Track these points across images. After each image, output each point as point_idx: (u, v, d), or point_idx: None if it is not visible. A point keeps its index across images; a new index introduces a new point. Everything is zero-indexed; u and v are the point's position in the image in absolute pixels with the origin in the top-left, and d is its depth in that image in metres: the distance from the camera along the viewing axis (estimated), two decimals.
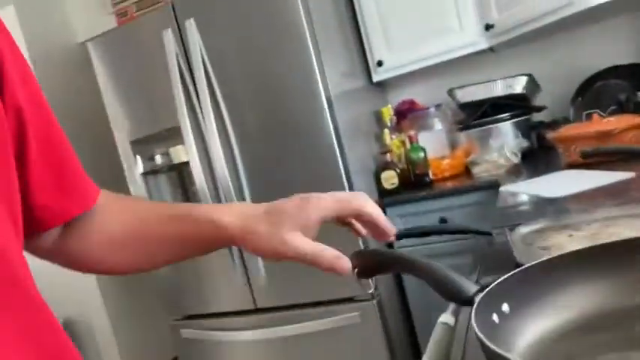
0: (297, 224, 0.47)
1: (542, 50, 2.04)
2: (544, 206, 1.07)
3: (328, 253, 0.47)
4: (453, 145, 2.05)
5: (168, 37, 1.72)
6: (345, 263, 0.47)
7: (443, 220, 1.12)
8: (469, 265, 0.84)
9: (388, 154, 1.89)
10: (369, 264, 0.49)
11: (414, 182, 1.89)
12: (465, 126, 1.94)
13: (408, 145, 1.93)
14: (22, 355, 0.34)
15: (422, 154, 1.88)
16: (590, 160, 1.29)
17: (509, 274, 0.42)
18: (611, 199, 0.96)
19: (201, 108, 1.71)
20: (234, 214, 0.49)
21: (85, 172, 0.51)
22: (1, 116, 0.38)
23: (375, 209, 0.50)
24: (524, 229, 0.78)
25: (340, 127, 1.65)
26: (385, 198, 1.82)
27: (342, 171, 1.63)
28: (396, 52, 2.01)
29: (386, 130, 2.01)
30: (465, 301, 0.41)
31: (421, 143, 1.91)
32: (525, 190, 1.27)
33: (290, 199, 0.49)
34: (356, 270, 0.48)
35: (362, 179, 1.79)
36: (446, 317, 0.71)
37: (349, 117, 1.79)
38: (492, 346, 0.32)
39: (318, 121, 1.60)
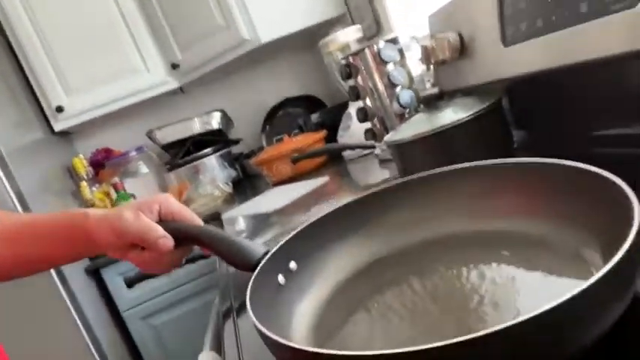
0: (139, 206, 0.51)
1: (230, 87, 2.20)
2: (267, 220, 1.13)
3: (154, 229, 0.49)
4: (164, 188, 1.97)
5: None
6: (168, 242, 0.50)
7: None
8: (219, 295, 0.78)
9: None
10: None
11: None
12: (172, 166, 1.89)
13: (114, 195, 1.74)
14: None
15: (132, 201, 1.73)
16: (292, 176, 1.45)
17: (291, 234, 0.41)
18: (318, 200, 1.08)
19: None
20: (102, 210, 0.53)
21: None
22: None
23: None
24: (260, 239, 0.78)
25: (23, 187, 1.34)
26: (99, 259, 1.58)
27: None
28: (76, 97, 1.79)
29: (83, 184, 1.76)
30: (255, 265, 0.39)
31: (129, 190, 1.76)
32: (246, 211, 1.31)
33: None
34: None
35: None
36: (206, 356, 0.63)
37: (34, 175, 1.49)
38: (268, 334, 0.28)
39: None
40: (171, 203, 0.53)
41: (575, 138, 0.67)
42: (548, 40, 0.60)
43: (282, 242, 0.42)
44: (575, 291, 0.22)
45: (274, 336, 0.28)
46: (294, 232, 0.44)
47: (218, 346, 0.64)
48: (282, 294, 0.39)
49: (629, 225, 0.25)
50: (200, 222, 0.53)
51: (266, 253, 0.41)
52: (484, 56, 0.75)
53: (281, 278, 0.40)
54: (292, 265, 0.42)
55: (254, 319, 0.31)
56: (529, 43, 0.64)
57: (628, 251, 0.23)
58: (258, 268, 0.37)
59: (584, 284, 0.22)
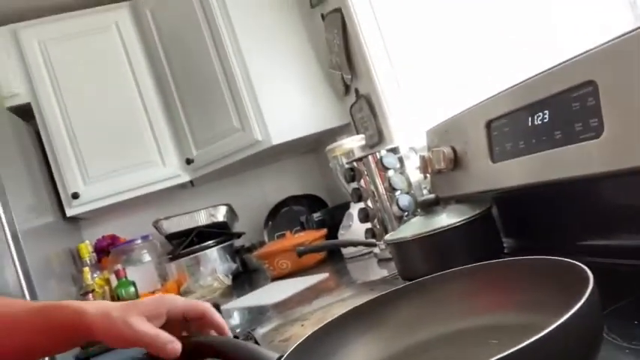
0: (147, 312, 0.52)
1: (237, 183, 2.31)
2: (266, 313, 1.14)
3: (163, 336, 0.51)
4: (164, 277, 1.98)
5: None
6: (176, 346, 0.50)
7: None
8: None
9: (90, 295, 1.66)
10: (185, 350, 0.51)
11: None
12: (174, 256, 1.92)
13: (115, 282, 1.76)
14: None
15: (132, 289, 1.74)
16: (292, 271, 1.49)
17: (303, 338, 0.44)
18: (317, 294, 1.11)
19: None
20: (96, 305, 0.54)
21: None
22: None
23: (216, 313, 0.57)
24: (262, 330, 0.81)
25: (30, 267, 1.38)
26: (93, 346, 1.55)
27: None
28: (93, 185, 1.89)
29: (86, 269, 1.78)
30: None
31: (130, 278, 1.78)
32: (245, 303, 1.33)
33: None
34: None
35: None
36: None
37: (41, 255, 1.52)
38: None
39: (2, 260, 1.30)
40: (178, 304, 0.54)
41: (560, 247, 0.73)
42: (531, 159, 0.69)
43: (292, 349, 0.44)
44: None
45: None
46: (302, 339, 0.46)
47: None
48: None
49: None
50: (206, 307, 0.55)
51: (279, 358, 0.43)
52: (475, 169, 0.84)
53: None
54: None
55: None
56: (514, 161, 0.73)
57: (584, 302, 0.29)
58: None
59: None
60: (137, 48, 1.97)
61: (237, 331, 1.10)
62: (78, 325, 0.53)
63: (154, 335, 0.50)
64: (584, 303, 0.31)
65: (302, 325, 0.78)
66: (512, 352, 0.28)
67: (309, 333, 0.47)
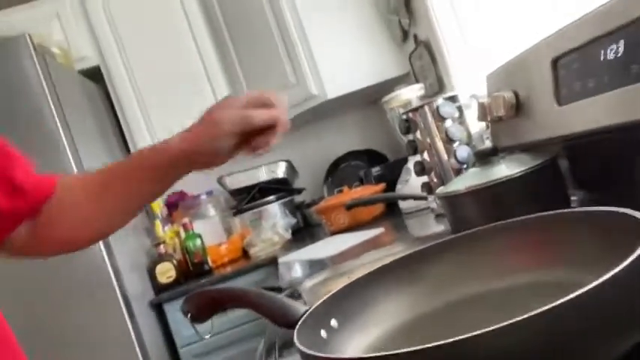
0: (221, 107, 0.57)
1: (296, 140, 2.31)
2: (321, 265, 1.15)
3: (260, 111, 0.57)
4: (229, 231, 2.06)
5: None
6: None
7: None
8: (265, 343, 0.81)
9: (162, 246, 1.77)
10: (200, 304, 0.50)
11: (193, 272, 1.80)
12: (237, 210, 1.99)
13: (183, 235, 1.85)
14: None
15: (199, 242, 1.83)
16: (349, 225, 1.48)
17: (333, 291, 0.43)
18: (369, 248, 1.10)
19: None
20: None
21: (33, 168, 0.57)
22: None
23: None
24: (309, 282, 0.81)
25: None
26: (163, 293, 1.67)
27: (111, 270, 1.44)
28: (157, 138, 1.97)
29: (157, 222, 1.90)
30: (297, 322, 0.40)
31: (196, 230, 1.87)
32: (301, 256, 1.35)
33: None
34: (190, 315, 0.49)
35: (134, 277, 1.61)
36: None
37: None
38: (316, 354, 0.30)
39: None
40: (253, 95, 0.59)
41: (633, 198, 0.65)
42: (601, 99, 0.61)
43: (320, 301, 0.43)
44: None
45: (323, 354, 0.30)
46: (332, 292, 0.45)
47: None
48: (325, 347, 0.40)
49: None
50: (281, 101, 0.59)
51: (306, 312, 0.43)
52: (539, 115, 0.76)
53: (324, 333, 0.41)
54: (333, 322, 0.42)
55: (300, 346, 0.33)
56: (583, 103, 0.64)
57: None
58: (298, 324, 0.39)
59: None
60: (193, 1, 1.98)
61: (295, 281, 1.12)
62: (170, 157, 0.57)
63: (249, 112, 0.57)
64: (635, 259, 0.26)
65: (348, 278, 0.77)
66: (549, 308, 0.24)
67: (338, 289, 0.45)
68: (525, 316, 0.24)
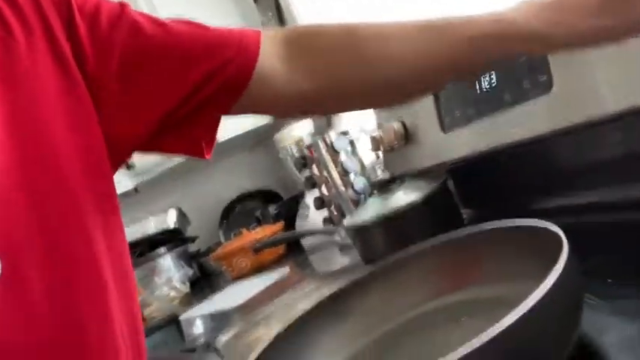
0: None
1: (185, 185, 2.21)
2: (229, 317, 1.09)
3: None
4: None
5: None
6: None
7: None
8: None
9: None
10: None
11: None
12: None
13: None
14: None
15: None
16: (252, 269, 1.43)
17: (266, 343, 0.40)
18: (280, 291, 1.06)
19: None
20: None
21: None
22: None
23: None
24: (224, 337, 0.76)
25: None
26: None
27: None
28: None
29: None
30: None
31: None
32: (205, 310, 1.26)
33: None
34: None
35: None
36: None
37: None
38: None
39: None
40: None
41: (519, 211, 0.72)
42: (481, 125, 0.67)
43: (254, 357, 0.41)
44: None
45: None
46: (264, 345, 0.43)
47: None
48: None
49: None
50: None
51: None
52: (426, 142, 0.82)
53: None
54: None
55: None
56: (465, 129, 0.71)
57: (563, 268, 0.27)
58: None
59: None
60: None
61: (201, 340, 1.04)
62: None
63: None
64: (564, 268, 0.28)
65: (264, 327, 0.74)
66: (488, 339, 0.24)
67: (269, 340, 0.42)
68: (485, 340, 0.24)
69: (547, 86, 0.53)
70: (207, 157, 0.51)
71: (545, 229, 0.35)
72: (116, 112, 0.46)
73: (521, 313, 0.25)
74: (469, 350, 0.23)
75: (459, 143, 0.74)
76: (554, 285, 0.27)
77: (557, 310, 0.28)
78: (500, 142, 0.65)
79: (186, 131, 0.49)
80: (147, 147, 0.50)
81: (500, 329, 0.24)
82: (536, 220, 0.37)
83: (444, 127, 0.75)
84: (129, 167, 1.85)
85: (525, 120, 0.59)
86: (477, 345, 0.23)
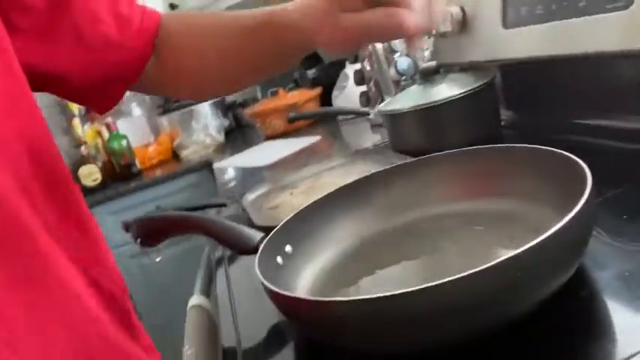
0: None
1: None
2: (258, 173, 1.16)
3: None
4: (156, 131, 1.98)
5: None
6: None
7: (159, 209, 1.06)
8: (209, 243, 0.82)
9: (83, 147, 1.67)
10: (152, 230, 0.49)
11: (121, 174, 1.74)
12: (165, 109, 1.89)
13: (106, 135, 1.75)
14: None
15: (124, 143, 1.74)
16: (285, 131, 1.47)
17: (286, 218, 0.44)
18: (309, 158, 1.11)
19: None
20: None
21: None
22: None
23: None
24: (251, 195, 0.82)
25: None
26: (89, 196, 1.61)
27: None
28: None
29: (75, 120, 1.76)
30: (253, 249, 0.42)
31: (121, 131, 1.77)
32: (237, 163, 1.34)
33: None
34: (139, 240, 0.49)
35: None
36: (197, 299, 0.68)
37: None
38: (274, 288, 0.33)
39: None
40: None
41: (557, 124, 0.71)
42: (546, 28, 0.62)
43: (275, 230, 0.44)
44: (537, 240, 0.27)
45: (282, 291, 0.33)
46: (286, 219, 0.46)
47: (208, 292, 0.69)
48: (281, 272, 0.42)
49: (582, 193, 0.31)
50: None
51: (262, 239, 0.43)
52: (483, 35, 0.76)
53: (279, 260, 0.43)
54: (288, 248, 0.44)
55: (262, 279, 0.35)
56: (528, 29, 0.65)
57: (582, 207, 0.29)
58: (257, 257, 0.39)
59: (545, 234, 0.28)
60: None
61: (231, 191, 1.13)
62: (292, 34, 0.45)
63: None
64: (584, 204, 0.30)
65: (291, 194, 0.79)
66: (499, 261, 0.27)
67: (291, 215, 0.46)
68: (493, 263, 0.27)
69: (627, 2, 0.48)
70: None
71: (575, 163, 0.36)
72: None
73: (539, 239, 0.27)
74: (487, 265, 0.26)
75: (518, 43, 0.69)
76: (573, 219, 0.29)
77: (569, 242, 0.30)
78: (562, 51, 0.61)
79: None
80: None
81: (516, 252, 0.27)
82: (562, 152, 0.38)
83: (506, 23, 0.70)
84: (172, 7, 1.80)
85: (596, 34, 0.54)
86: (494, 262, 0.27)
